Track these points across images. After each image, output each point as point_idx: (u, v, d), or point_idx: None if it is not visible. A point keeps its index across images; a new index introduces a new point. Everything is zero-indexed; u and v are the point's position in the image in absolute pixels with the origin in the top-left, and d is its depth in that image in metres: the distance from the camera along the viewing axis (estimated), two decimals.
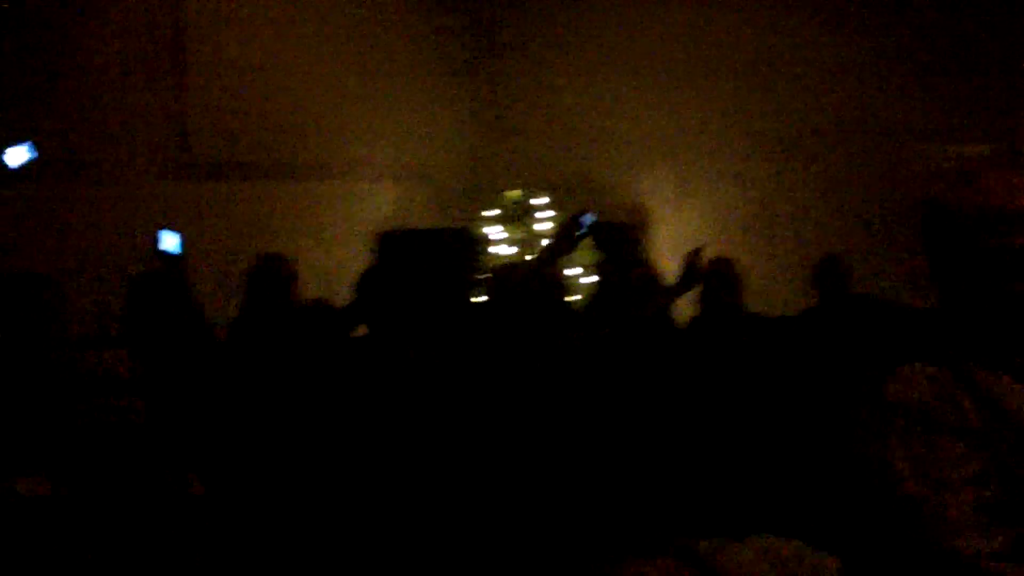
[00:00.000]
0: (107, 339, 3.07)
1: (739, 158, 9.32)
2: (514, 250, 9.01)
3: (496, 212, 9.22)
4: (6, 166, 4.72)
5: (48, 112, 7.90)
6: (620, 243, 5.87)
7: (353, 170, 9.42)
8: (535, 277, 5.21)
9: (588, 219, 5.23)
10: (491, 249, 9.05)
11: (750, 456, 4.82)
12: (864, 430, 2.39)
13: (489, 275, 5.18)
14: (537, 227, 9.04)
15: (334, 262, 8.09)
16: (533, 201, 9.16)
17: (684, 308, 6.14)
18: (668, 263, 8.96)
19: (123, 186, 8.36)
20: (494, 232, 9.14)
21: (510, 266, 6.08)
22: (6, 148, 4.76)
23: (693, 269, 5.16)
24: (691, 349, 5.89)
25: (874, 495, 2.36)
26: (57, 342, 4.37)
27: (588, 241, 8.62)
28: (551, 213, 9.06)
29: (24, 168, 4.83)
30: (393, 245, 4.32)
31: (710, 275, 6.14)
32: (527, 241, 9.01)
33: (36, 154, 4.81)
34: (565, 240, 5.32)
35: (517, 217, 9.17)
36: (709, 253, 5.55)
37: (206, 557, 3.06)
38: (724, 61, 9.32)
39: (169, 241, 5.46)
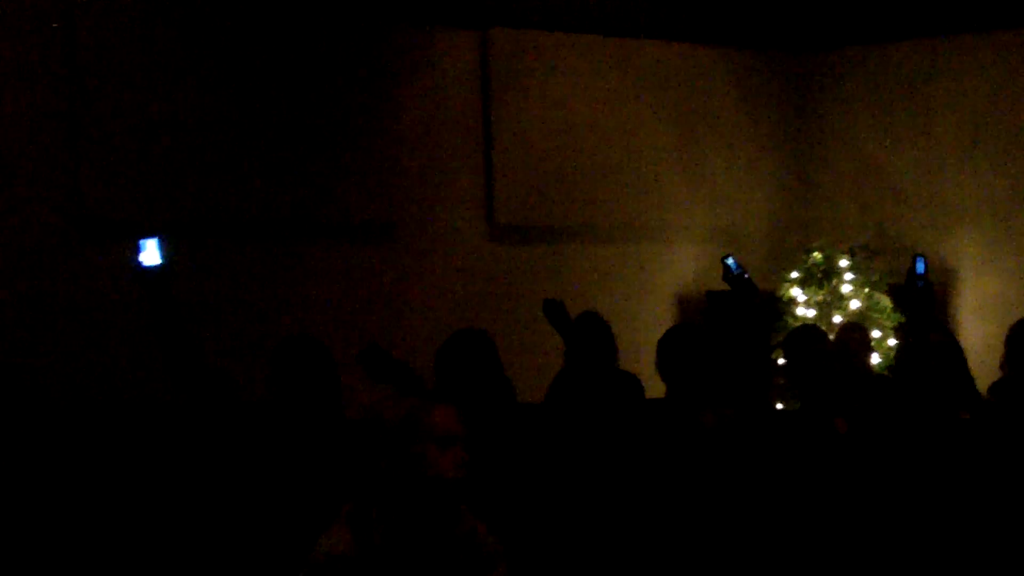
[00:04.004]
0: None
1: None
2: (814, 312, 9.08)
3: (798, 274, 9.30)
4: (142, 265, 4.42)
5: (359, 180, 8.49)
6: (922, 304, 5.91)
7: (661, 233, 9.68)
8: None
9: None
10: (797, 311, 9.15)
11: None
12: None
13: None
14: (841, 288, 9.08)
15: (638, 322, 8.36)
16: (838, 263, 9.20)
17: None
18: (971, 325, 8.94)
19: (434, 249, 8.87)
20: (797, 294, 9.23)
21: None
22: (140, 244, 4.45)
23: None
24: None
25: None
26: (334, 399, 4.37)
27: (889, 303, 8.68)
28: (852, 276, 9.11)
29: (155, 269, 4.30)
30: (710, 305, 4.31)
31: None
32: (829, 303, 9.06)
33: (164, 260, 4.43)
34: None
35: (820, 279, 9.21)
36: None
37: None
38: None
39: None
